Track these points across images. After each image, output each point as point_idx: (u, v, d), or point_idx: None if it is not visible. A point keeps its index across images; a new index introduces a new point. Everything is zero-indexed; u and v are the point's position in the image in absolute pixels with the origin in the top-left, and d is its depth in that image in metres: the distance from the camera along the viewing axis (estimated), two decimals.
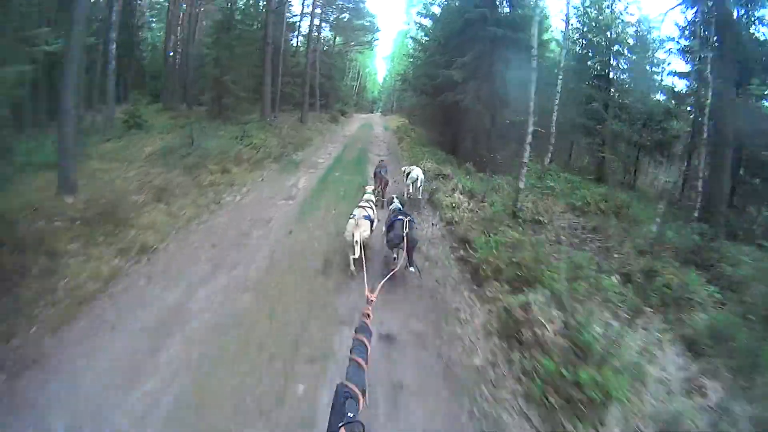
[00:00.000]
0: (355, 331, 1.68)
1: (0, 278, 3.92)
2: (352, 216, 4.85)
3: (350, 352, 1.57)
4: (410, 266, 4.41)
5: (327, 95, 31.43)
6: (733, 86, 9.70)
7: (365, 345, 1.58)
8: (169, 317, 3.98)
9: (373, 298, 2.02)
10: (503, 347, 3.73)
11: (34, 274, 4.17)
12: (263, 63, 18.03)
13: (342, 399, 1.24)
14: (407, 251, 4.34)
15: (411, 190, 7.64)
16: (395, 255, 4.84)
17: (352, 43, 34.97)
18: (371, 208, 5.27)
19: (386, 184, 7.78)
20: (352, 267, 4.69)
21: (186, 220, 6.61)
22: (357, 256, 4.43)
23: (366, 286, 2.22)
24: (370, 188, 6.27)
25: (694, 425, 2.84)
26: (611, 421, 2.78)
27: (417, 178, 7.40)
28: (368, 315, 1.83)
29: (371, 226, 4.97)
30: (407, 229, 4.30)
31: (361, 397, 1.29)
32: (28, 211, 5.33)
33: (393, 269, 4.18)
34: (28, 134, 9.65)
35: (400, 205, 5.24)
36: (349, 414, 1.17)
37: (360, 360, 1.47)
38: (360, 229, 4.50)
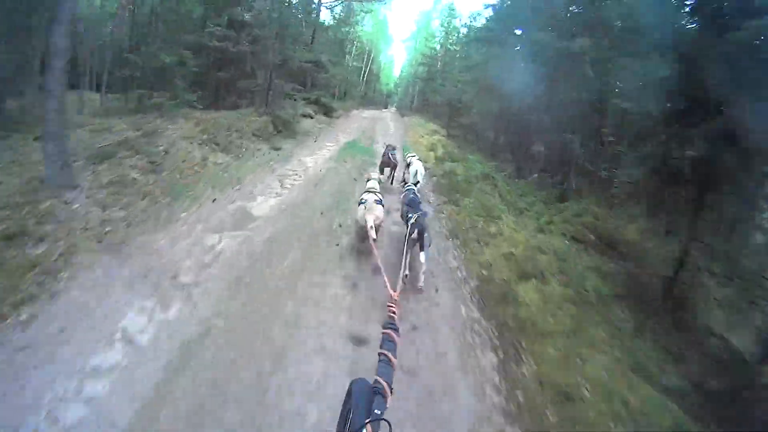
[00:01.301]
0: (383, 327, 1.67)
1: None
2: (362, 201, 4.70)
3: (380, 347, 1.53)
4: (422, 250, 4.29)
5: (310, 81, 20.52)
6: None
7: (394, 341, 1.56)
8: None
9: (396, 297, 2.04)
10: None
11: None
12: None
13: (371, 395, 1.20)
14: (418, 239, 4.25)
15: (411, 182, 7.01)
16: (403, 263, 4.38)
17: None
18: (379, 193, 5.04)
19: (395, 166, 7.98)
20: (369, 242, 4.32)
21: None
22: (375, 238, 4.22)
23: (387, 284, 2.25)
24: (374, 175, 5.91)
25: None
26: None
27: (417, 172, 7.23)
28: (394, 312, 1.83)
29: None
30: (415, 219, 4.31)
31: (389, 393, 1.24)
32: None
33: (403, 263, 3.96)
34: None
35: (415, 193, 5.21)
36: (376, 411, 1.12)
37: (390, 355, 1.45)
38: (374, 214, 4.44)
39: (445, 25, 32.90)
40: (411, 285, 4.26)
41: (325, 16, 25.64)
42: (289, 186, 7.67)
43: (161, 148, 7.27)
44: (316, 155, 11.42)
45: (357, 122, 20.89)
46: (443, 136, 17.82)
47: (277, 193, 7.13)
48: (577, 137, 7.51)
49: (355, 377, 1.36)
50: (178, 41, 10.90)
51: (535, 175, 10.41)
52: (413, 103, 33.98)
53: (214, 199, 6.37)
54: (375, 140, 15.91)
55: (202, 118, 9.42)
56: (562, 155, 8.01)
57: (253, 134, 10.41)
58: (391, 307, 1.88)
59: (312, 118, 16.66)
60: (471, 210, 7.45)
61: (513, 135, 11.21)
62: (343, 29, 29.07)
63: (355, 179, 8.66)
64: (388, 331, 1.61)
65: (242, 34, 11.91)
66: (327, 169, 9.52)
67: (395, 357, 1.47)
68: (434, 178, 9.90)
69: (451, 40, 31.97)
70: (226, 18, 11.83)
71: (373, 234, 4.17)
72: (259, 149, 9.98)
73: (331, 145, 13.57)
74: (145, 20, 14.22)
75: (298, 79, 16.39)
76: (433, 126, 20.98)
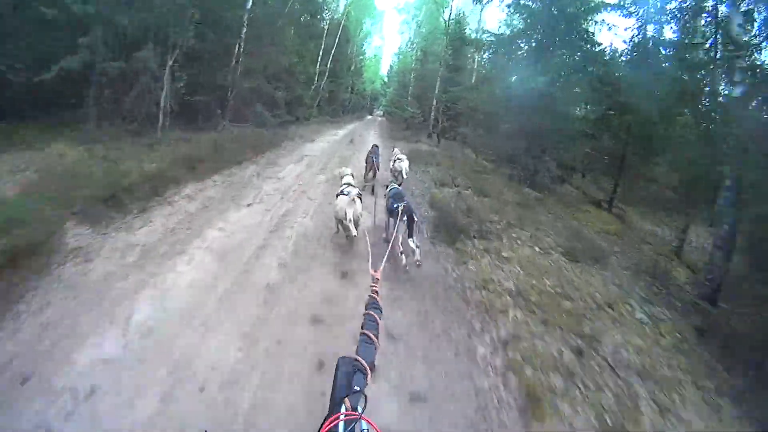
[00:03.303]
0: (366, 308, 1.63)
1: None
2: (344, 193, 4.42)
3: (361, 327, 1.49)
4: (411, 236, 4.26)
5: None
6: None
7: (376, 321, 1.52)
8: None
9: (378, 276, 1.97)
10: None
11: None
12: None
13: (351, 372, 1.23)
14: (408, 226, 4.24)
15: (396, 178, 7.26)
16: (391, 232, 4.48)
17: None
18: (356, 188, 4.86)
19: (377, 168, 7.38)
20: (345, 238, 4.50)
21: None
22: (355, 234, 4.27)
23: (369, 264, 2.14)
24: (347, 170, 5.39)
25: None
26: None
27: (402, 170, 7.25)
28: (376, 292, 1.78)
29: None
30: (404, 206, 4.23)
31: (369, 371, 1.25)
32: None
33: (390, 244, 3.22)
34: None
35: (398, 188, 5.01)
36: (355, 387, 1.16)
37: (371, 335, 1.42)
38: (354, 207, 4.31)
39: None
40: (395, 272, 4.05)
41: None
42: None
43: None
44: None
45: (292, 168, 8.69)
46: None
47: None
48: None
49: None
50: None
51: None
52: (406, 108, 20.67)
53: None
54: None
55: None
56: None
57: None
58: (374, 287, 1.83)
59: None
60: None
61: None
62: None
63: None
64: (371, 311, 1.58)
65: None
66: None
67: (377, 337, 1.43)
68: None
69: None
70: None
71: (353, 229, 4.19)
72: None
73: None
74: None
75: None
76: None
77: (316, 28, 21.83)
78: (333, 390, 1.19)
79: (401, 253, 4.10)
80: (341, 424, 1.02)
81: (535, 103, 9.63)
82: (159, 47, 7.78)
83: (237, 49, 10.71)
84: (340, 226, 4.44)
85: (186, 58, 8.64)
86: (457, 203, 6.39)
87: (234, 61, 10.67)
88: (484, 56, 17.14)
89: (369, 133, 17.33)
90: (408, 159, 7.38)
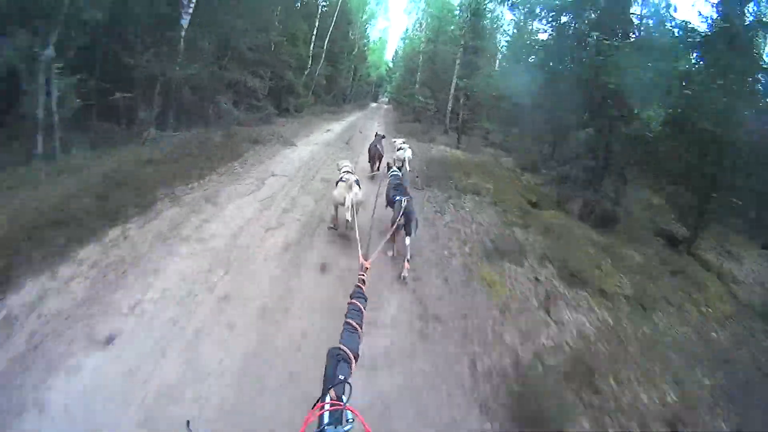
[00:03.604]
0: (351, 297, 1.65)
1: None
2: (343, 180, 4.36)
3: (345, 316, 1.50)
4: (408, 235, 4.12)
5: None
6: None
7: (360, 310, 1.55)
8: None
9: (368, 265, 1.98)
10: None
11: None
12: None
13: (335, 361, 1.25)
14: (406, 224, 4.08)
15: (400, 166, 6.75)
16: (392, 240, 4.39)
17: None
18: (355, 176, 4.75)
19: (380, 157, 7.35)
20: (342, 227, 4.50)
21: None
22: (350, 219, 4.13)
23: (360, 253, 2.17)
24: (345, 162, 5.25)
25: None
26: None
27: (405, 159, 7.08)
28: (363, 281, 1.78)
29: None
30: (405, 204, 4.13)
31: (353, 360, 1.29)
32: None
33: (389, 235, 3.67)
34: None
35: (398, 173, 5.00)
36: (340, 376, 1.18)
37: (355, 324, 1.45)
38: (352, 192, 4.22)
39: None
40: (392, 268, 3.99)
41: None
42: None
43: None
44: None
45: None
46: None
47: None
48: None
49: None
50: None
51: None
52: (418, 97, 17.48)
53: None
54: None
55: None
56: None
57: None
58: (362, 275, 1.83)
59: None
60: None
61: None
62: None
63: None
64: (356, 301, 1.59)
65: None
66: None
67: (362, 326, 1.46)
68: None
69: None
70: None
71: (348, 215, 4.11)
72: None
73: None
74: None
75: None
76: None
77: (310, 6, 18.74)
78: (324, 379, 1.21)
79: (391, 253, 4.19)
80: (326, 414, 1.03)
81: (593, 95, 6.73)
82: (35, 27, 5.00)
83: (180, 21, 7.83)
84: (335, 213, 4.41)
85: (92, 38, 5.84)
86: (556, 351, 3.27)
87: (177, 40, 7.80)
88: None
89: (372, 126, 14.42)
90: (424, 172, 6.70)
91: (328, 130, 12.41)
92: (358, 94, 32.59)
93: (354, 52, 26.99)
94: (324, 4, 19.70)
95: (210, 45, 8.77)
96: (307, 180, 6.48)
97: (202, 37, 8.75)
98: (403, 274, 3.88)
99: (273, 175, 6.38)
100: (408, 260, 3.95)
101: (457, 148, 11.53)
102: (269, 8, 11.81)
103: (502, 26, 16.85)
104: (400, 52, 38.08)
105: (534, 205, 6.57)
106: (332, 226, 4.61)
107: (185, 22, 8.23)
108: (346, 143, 10.05)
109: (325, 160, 7.98)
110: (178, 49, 8.15)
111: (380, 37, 41.07)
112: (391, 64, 44.36)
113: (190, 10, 8.34)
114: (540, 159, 9.97)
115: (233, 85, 10.64)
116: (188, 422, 1.19)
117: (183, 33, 8.23)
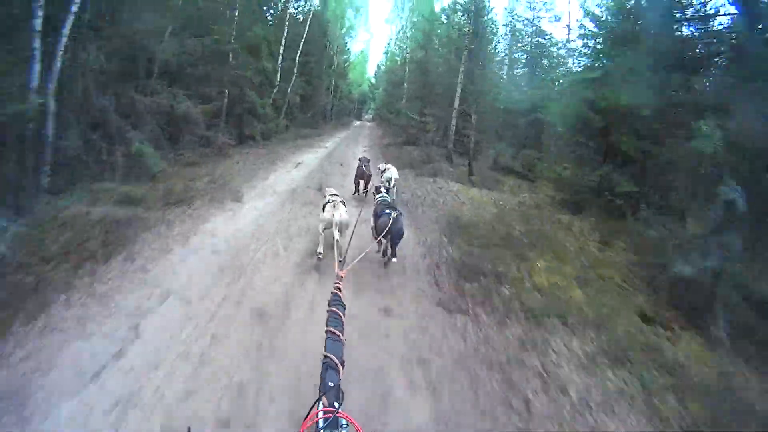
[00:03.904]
0: (329, 305, 1.66)
1: None
2: (329, 201, 4.38)
3: (326, 324, 1.51)
4: (393, 257, 4.32)
5: None
6: None
7: (340, 317, 1.56)
8: None
9: (343, 275, 2.00)
10: None
11: None
12: None
13: (324, 369, 1.27)
14: (392, 242, 4.27)
15: (387, 187, 6.82)
16: (381, 245, 4.50)
17: None
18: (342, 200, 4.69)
19: (369, 178, 7.13)
20: (320, 250, 4.25)
21: None
22: (338, 239, 3.93)
23: (336, 262, 2.27)
24: (330, 190, 5.01)
25: None
26: None
27: (392, 178, 6.94)
28: (339, 289, 1.81)
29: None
30: (393, 218, 4.19)
31: (340, 367, 1.30)
32: None
33: (367, 250, 3.42)
34: None
35: (387, 196, 5.12)
36: (330, 384, 1.21)
37: (337, 332, 1.46)
38: (339, 211, 4.21)
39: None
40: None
41: None
42: None
43: None
44: None
45: None
46: None
47: None
48: None
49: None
50: None
51: None
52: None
53: None
54: None
55: None
56: None
57: None
58: (338, 284, 1.86)
59: None
60: None
61: None
62: None
63: None
64: (335, 308, 1.60)
65: None
66: None
67: (342, 333, 1.46)
68: None
69: None
70: None
71: (337, 234, 4.04)
72: None
73: None
74: None
75: None
76: None
77: (277, 10, 16.05)
78: (320, 388, 1.23)
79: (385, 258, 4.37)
80: (320, 422, 1.05)
81: None
82: None
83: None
84: (322, 236, 4.29)
85: None
86: None
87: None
88: None
89: (355, 153, 11.49)
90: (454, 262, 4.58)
91: (299, 164, 9.45)
92: (340, 113, 29.99)
93: (333, 67, 24.44)
94: (295, 11, 17.04)
95: (103, 54, 5.75)
96: (225, 323, 3.19)
97: (92, 44, 5.77)
98: (394, 260, 4.22)
99: (150, 313, 3.29)
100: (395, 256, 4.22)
101: (470, 183, 8.69)
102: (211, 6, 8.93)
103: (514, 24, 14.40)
104: (382, 67, 35.99)
105: (649, 320, 3.65)
106: (320, 255, 4.21)
107: (66, 26, 5.26)
108: (318, 190, 6.97)
109: (283, 237, 4.93)
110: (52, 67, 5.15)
111: (362, 51, 38.91)
112: (373, 80, 42.20)
113: (74, 8, 5.38)
114: (591, 191, 7.24)
115: (160, 114, 7.62)
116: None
117: (63, 44, 5.24)
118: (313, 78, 19.51)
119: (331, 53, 23.60)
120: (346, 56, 29.31)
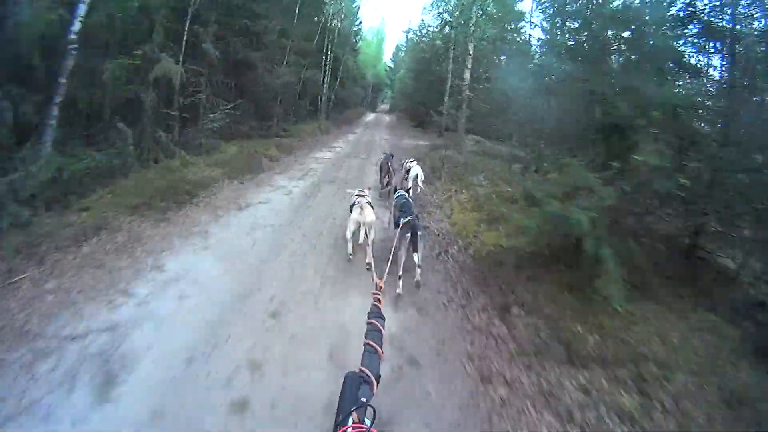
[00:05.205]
0: (368, 316, 1.59)
1: None
2: (356, 203, 4.45)
3: (365, 337, 1.45)
4: (416, 251, 4.10)
5: None
6: None
7: (379, 330, 1.49)
8: None
9: (382, 285, 1.91)
10: None
11: None
12: None
13: (357, 384, 1.20)
14: (411, 240, 4.11)
15: (410, 186, 6.95)
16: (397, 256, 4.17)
17: None
18: (369, 201, 4.73)
19: (392, 174, 7.28)
20: (350, 251, 4.45)
21: None
22: (361, 241, 4.38)
23: (374, 273, 2.22)
24: (355, 191, 5.07)
25: None
26: None
27: (417, 176, 7.09)
28: (379, 300, 1.72)
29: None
30: (408, 220, 4.10)
31: (375, 382, 1.24)
32: None
33: (390, 258, 3.14)
34: None
35: (406, 198, 4.82)
36: (362, 399, 1.14)
37: (376, 345, 1.38)
38: (365, 213, 4.33)
39: None
40: (404, 286, 3.96)
41: None
42: None
43: None
44: None
45: None
46: None
47: None
48: None
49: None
50: None
51: None
52: None
53: None
54: None
55: None
56: None
57: None
58: (377, 295, 1.77)
59: None
60: None
61: None
62: None
63: None
64: (374, 321, 1.54)
65: None
66: None
67: (381, 347, 1.41)
68: None
69: None
70: None
71: (362, 235, 4.27)
72: None
73: None
74: None
75: None
76: None
77: None
78: (340, 402, 1.18)
79: (399, 277, 3.98)
80: None
81: None
82: None
83: None
84: (351, 236, 4.39)
85: None
86: None
87: None
88: None
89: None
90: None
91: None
92: (345, 102, 22.13)
93: (333, 38, 16.77)
94: None
95: None
96: None
97: None
98: (416, 279, 4.05)
99: None
100: (419, 266, 4.07)
101: None
102: None
103: None
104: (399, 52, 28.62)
105: None
106: (350, 256, 4.39)
107: None
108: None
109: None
110: None
111: (378, 29, 31.23)
112: (391, 64, 34.71)
113: None
114: None
115: None
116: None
117: None
118: (305, 59, 12.03)
119: (330, 25, 15.97)
120: (356, 28, 21.56)
